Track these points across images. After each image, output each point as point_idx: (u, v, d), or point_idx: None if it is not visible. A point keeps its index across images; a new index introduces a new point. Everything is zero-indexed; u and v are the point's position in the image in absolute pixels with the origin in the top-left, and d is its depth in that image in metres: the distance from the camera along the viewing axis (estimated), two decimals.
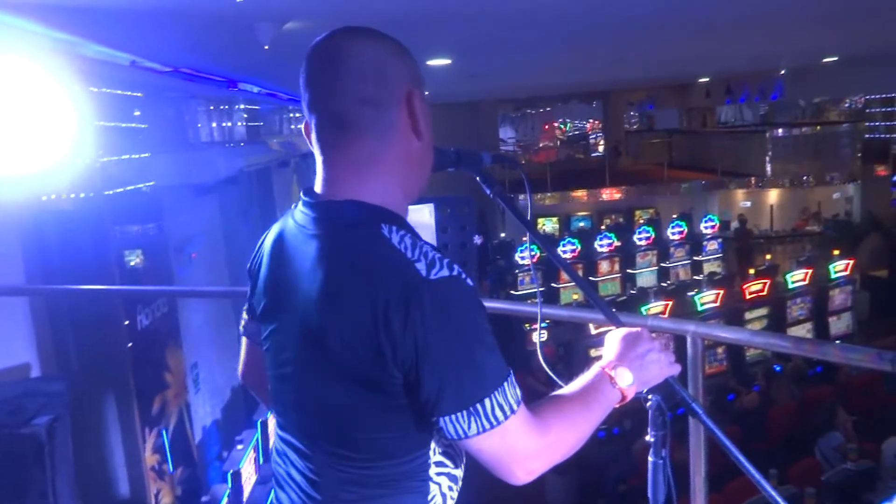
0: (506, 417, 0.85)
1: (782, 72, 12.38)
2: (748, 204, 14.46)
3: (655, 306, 7.54)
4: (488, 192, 1.13)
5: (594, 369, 1.01)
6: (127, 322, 3.66)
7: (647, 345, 1.02)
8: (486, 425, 0.85)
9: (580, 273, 10.08)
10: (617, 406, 0.99)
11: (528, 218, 1.15)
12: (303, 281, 0.92)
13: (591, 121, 21.48)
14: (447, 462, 0.96)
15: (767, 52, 7.96)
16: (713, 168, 13.99)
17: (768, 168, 13.55)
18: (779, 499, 0.94)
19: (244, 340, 1.16)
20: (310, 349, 0.91)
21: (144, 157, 3.89)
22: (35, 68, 2.83)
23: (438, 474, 0.94)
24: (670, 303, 7.74)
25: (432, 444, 0.93)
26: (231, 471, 4.53)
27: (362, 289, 0.85)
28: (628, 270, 10.41)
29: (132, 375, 3.65)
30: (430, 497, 0.94)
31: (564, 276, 10.50)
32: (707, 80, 14.42)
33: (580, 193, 13.43)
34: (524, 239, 10.65)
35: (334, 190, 0.94)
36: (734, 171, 13.91)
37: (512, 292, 9.17)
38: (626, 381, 0.99)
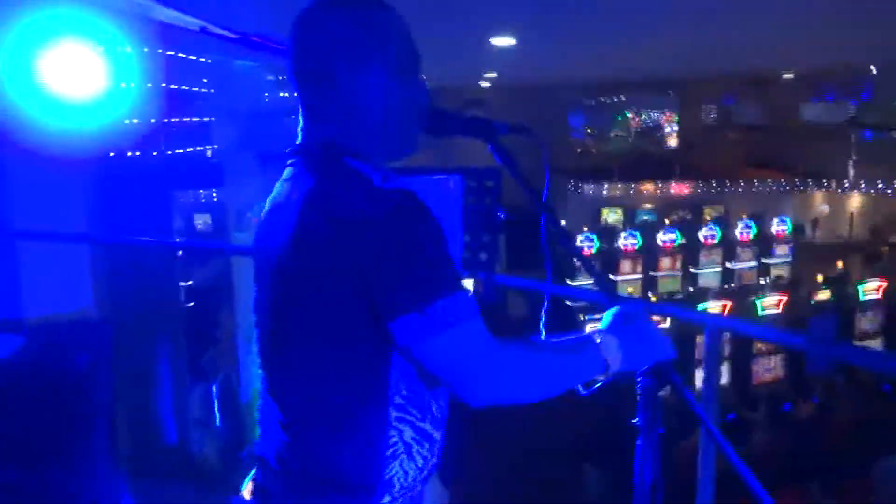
0: (458, 322, 0.87)
1: (873, 69, 11.71)
2: (826, 209, 13.82)
3: (714, 306, 7.33)
4: (500, 162, 1.13)
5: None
6: (185, 281, 3.83)
7: (642, 323, 1.01)
8: (439, 327, 0.86)
9: (639, 267, 9.97)
10: (601, 378, 0.98)
11: (545, 197, 1.16)
12: (272, 218, 1.00)
13: (665, 112, 20.88)
14: (412, 410, 0.97)
15: (858, 45, 7.53)
16: (791, 169, 13.42)
17: (851, 172, 12.89)
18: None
19: None
20: (274, 277, 0.96)
21: (209, 121, 4.02)
22: (106, 30, 2.95)
23: (399, 420, 0.96)
24: (729, 304, 7.50)
25: (391, 382, 0.94)
26: None
27: (318, 205, 0.91)
28: (690, 268, 10.14)
29: (183, 329, 3.82)
30: (391, 441, 0.96)
31: (624, 268, 10.37)
32: (791, 75, 13.78)
33: (647, 186, 13.13)
34: (584, 228, 10.54)
35: (305, 139, 1.02)
36: (814, 173, 13.30)
37: (569, 281, 9.08)
38: (612, 351, 0.98)
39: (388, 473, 0.95)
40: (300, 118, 1.03)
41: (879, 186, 13.06)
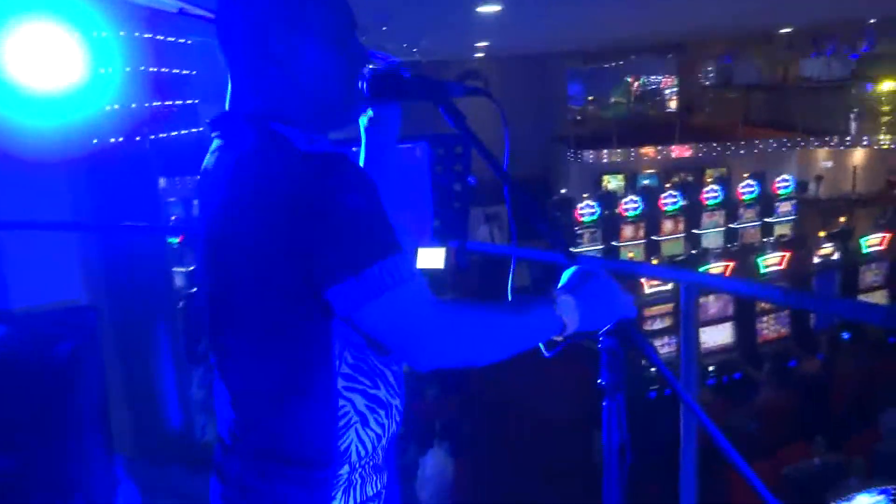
0: (397, 284, 0.84)
1: (872, 21, 11.49)
2: (829, 164, 13.67)
3: (715, 267, 7.29)
4: (452, 125, 1.09)
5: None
6: (189, 266, 3.81)
7: (601, 280, 0.98)
8: (376, 291, 0.84)
9: (644, 232, 9.90)
10: (560, 339, 0.96)
11: (506, 165, 1.12)
12: (202, 193, 0.98)
13: (664, 76, 20.62)
14: (361, 378, 0.95)
15: None
16: (793, 126, 13.25)
17: (853, 127, 12.72)
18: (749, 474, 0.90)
19: None
20: (207, 253, 0.94)
21: (192, 103, 3.97)
22: (82, 13, 2.90)
23: (349, 389, 0.94)
24: (732, 264, 7.45)
25: (334, 352, 0.92)
26: None
27: (242, 176, 0.88)
28: (693, 231, 10.08)
29: (184, 314, 3.82)
30: (341, 411, 0.93)
31: (626, 234, 10.31)
32: (790, 30, 13.56)
33: (648, 150, 13.00)
34: (584, 196, 10.46)
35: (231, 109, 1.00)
36: (816, 129, 13.13)
37: (571, 250, 9.00)
38: (569, 310, 0.95)
39: (342, 444, 0.94)
40: (228, 88, 1.00)
41: (882, 140, 12.90)
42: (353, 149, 1.43)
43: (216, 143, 0.99)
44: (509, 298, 1.19)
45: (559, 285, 0.99)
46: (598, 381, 1.00)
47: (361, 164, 1.20)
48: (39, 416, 2.15)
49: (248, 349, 0.92)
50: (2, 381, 2.11)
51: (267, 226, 0.85)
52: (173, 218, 5.43)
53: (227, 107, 1.00)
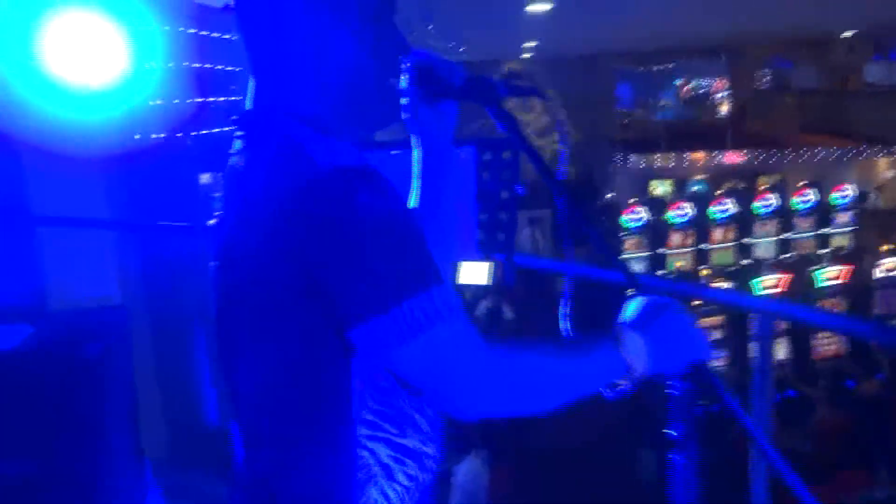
0: (435, 323, 0.72)
1: None
2: (891, 174, 13.09)
3: (769, 279, 7.01)
4: (501, 129, 0.96)
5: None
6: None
7: (673, 316, 0.83)
8: (410, 332, 0.71)
9: (693, 240, 9.61)
10: (623, 382, 0.82)
11: (561, 173, 0.99)
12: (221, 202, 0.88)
13: (718, 79, 20.08)
14: (385, 426, 0.82)
15: None
16: (853, 133, 12.71)
17: None
18: None
19: None
20: (217, 272, 0.82)
21: (236, 100, 3.93)
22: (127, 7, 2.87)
23: (371, 438, 0.81)
24: (786, 277, 7.15)
25: (355, 396, 0.80)
26: None
27: (254, 192, 0.78)
28: (745, 240, 9.73)
29: None
30: (362, 463, 0.81)
31: (673, 241, 10.02)
32: (851, 34, 13.02)
33: (698, 156, 12.64)
34: (630, 201, 10.20)
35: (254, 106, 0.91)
36: (878, 137, 12.57)
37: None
38: (636, 350, 0.81)
39: (362, 501, 0.81)
40: (250, 81, 0.89)
41: None
42: (393, 152, 1.30)
43: (236, 144, 0.89)
44: (561, 325, 1.06)
45: (623, 317, 0.85)
46: (667, 431, 0.86)
47: (414, 167, 1.07)
48: (67, 418, 2.11)
49: (257, 390, 0.80)
50: (30, 382, 2.08)
51: (279, 255, 0.73)
52: (216, 214, 5.44)
53: (248, 104, 0.89)
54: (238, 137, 0.89)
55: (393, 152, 1.35)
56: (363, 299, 0.71)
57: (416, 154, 1.01)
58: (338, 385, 0.78)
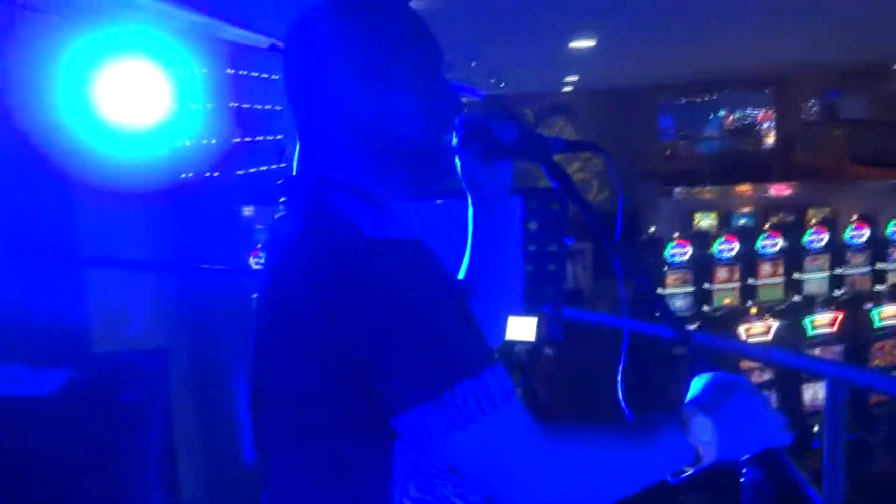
0: (487, 411, 0.66)
1: None
2: None
3: (822, 317, 6.75)
4: (556, 187, 0.92)
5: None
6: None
7: (746, 398, 0.76)
8: (461, 420, 0.66)
9: (737, 275, 9.35)
10: (690, 470, 0.75)
11: (618, 232, 0.95)
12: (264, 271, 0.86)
13: (761, 109, 19.77)
14: None
15: None
16: None
17: None
18: None
19: None
20: (254, 349, 0.78)
21: (278, 139, 3.98)
22: (172, 51, 2.92)
23: None
24: (841, 315, 6.88)
25: (397, 482, 0.75)
26: None
27: (294, 265, 0.75)
28: (794, 275, 9.43)
29: None
30: None
31: (719, 276, 9.77)
32: None
33: (744, 188, 12.36)
34: (674, 236, 10.00)
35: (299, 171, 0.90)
36: None
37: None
38: (705, 436, 0.74)
39: None
40: (297, 146, 0.86)
41: None
42: (438, 201, 1.27)
43: (280, 210, 0.86)
44: (619, 389, 1.00)
45: (690, 397, 0.78)
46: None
47: (469, 218, 1.03)
48: (105, 461, 2.11)
49: (292, 474, 0.75)
50: (69, 425, 2.08)
51: (316, 333, 0.69)
52: (259, 247, 5.52)
53: (294, 169, 0.86)
54: (282, 203, 0.87)
55: (438, 202, 1.31)
56: (411, 384, 0.66)
57: (471, 213, 0.98)
58: (377, 473, 0.73)
